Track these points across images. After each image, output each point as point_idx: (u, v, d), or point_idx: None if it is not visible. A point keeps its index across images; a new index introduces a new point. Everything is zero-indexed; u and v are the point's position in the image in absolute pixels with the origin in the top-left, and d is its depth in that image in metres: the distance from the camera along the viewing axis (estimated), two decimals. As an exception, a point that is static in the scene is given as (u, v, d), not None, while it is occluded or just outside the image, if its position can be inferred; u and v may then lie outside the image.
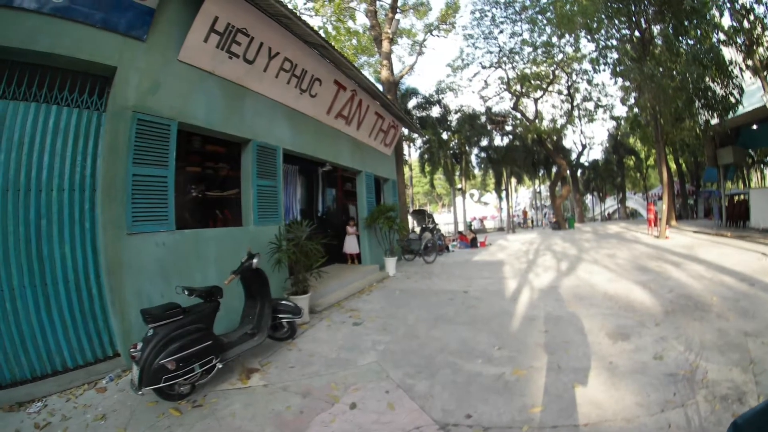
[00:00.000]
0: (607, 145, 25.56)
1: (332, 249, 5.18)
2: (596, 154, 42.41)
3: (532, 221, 28.45)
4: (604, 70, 17.72)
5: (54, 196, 3.22)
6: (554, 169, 22.40)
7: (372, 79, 7.70)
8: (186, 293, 2.99)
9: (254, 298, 3.64)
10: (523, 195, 41.61)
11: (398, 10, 13.54)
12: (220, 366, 3.00)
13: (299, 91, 5.58)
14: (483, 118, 21.20)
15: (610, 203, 34.18)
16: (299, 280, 4.59)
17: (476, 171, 23.82)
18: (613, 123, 23.13)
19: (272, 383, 3.00)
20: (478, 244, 13.21)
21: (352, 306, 5.25)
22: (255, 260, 3.48)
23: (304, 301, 4.49)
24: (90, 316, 3.36)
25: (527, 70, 19.66)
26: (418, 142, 20.36)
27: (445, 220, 23.20)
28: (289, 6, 4.99)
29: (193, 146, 4.99)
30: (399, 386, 2.78)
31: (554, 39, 16.83)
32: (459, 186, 22.48)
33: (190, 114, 4.02)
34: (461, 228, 20.60)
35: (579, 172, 25.94)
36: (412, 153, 23.19)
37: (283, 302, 3.82)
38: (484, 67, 20.31)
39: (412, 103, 18.23)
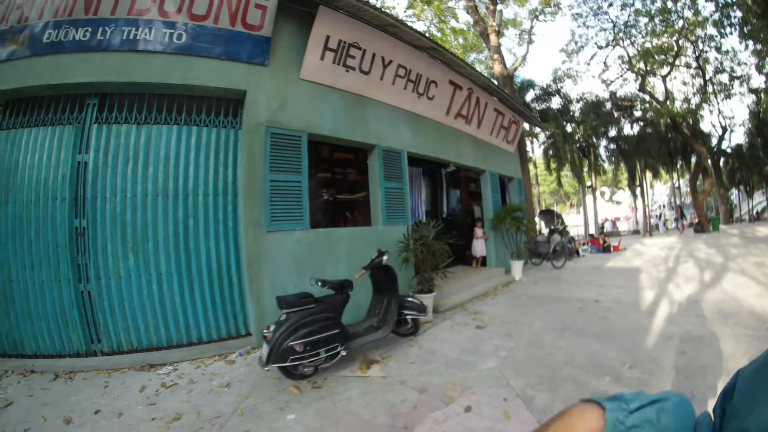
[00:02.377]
0: (750, 125, 20.08)
1: (457, 250, 5.29)
2: (738, 137, 33.83)
3: (669, 221, 23.89)
4: (731, 33, 14.24)
5: (200, 200, 4.00)
6: (693, 159, 19.14)
7: (485, 75, 7.60)
8: (319, 285, 3.35)
9: (381, 293, 3.85)
10: (660, 191, 35.30)
11: (498, 1, 13.00)
12: (344, 353, 3.26)
13: (416, 95, 5.78)
14: (608, 105, 18.78)
15: (759, 199, 26.58)
16: (425, 278, 4.74)
17: (606, 165, 21.15)
18: (753, 97, 18.13)
19: (391, 376, 3.14)
20: (611, 249, 11.75)
21: (475, 309, 5.15)
22: (385, 257, 3.70)
23: (429, 299, 4.61)
24: (228, 300, 4.06)
25: (648, 44, 17.12)
26: (541, 136, 19.05)
27: (574, 222, 21.07)
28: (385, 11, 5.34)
29: (323, 154, 5.60)
30: (518, 396, 2.70)
31: (669, 3, 14.12)
32: (588, 183, 20.25)
33: (317, 125, 4.54)
34: (592, 230, 18.46)
35: (722, 161, 21.08)
36: (536, 149, 21.78)
37: (409, 299, 3.96)
38: (600, 47, 18.39)
39: (529, 96, 17.24)
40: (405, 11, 14.52)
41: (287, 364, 2.95)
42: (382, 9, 4.58)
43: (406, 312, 3.87)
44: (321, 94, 4.61)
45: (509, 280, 7.21)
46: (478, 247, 7.60)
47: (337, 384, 3.03)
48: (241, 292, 4.07)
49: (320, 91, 4.62)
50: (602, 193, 31.22)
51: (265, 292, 3.89)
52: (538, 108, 17.11)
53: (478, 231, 7.59)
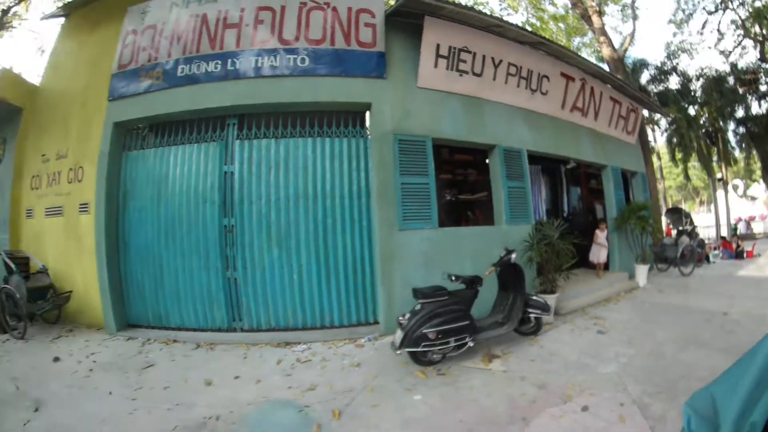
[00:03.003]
0: None
1: (578, 252, 5.13)
2: None
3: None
4: None
5: (337, 202, 4.55)
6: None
7: (593, 61, 7.09)
8: (452, 279, 3.64)
9: (507, 291, 4.02)
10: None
11: (593, -22, 11.90)
12: (471, 345, 3.50)
13: (530, 92, 5.74)
14: (731, 80, 15.94)
15: None
16: (548, 279, 4.74)
17: (737, 152, 18.01)
18: None
19: (511, 371, 3.31)
20: (744, 255, 10.12)
21: (597, 314, 5.04)
22: (513, 255, 3.88)
23: (551, 300, 4.59)
24: (361, 290, 4.60)
25: (758, 2, 14.19)
26: (663, 123, 17.06)
27: (703, 222, 18.17)
28: (486, 12, 5.36)
29: (444, 156, 5.89)
30: (634, 402, 2.72)
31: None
32: (719, 175, 17.51)
33: (439, 130, 4.87)
34: (724, 232, 15.88)
35: None
36: (658, 138, 19.49)
37: (534, 297, 4.08)
38: (709, 13, 16.03)
39: (644, 78, 15.63)
40: (500, 5, 14.08)
41: (419, 349, 3.26)
42: (480, 10, 4.63)
43: (530, 310, 3.98)
44: (439, 100, 4.92)
45: (632, 286, 6.71)
46: (599, 252, 6.86)
47: (461, 373, 3.27)
48: (372, 284, 4.59)
49: (438, 97, 4.92)
50: (735, 187, 26.70)
51: (395, 284, 4.36)
52: (655, 90, 15.40)
53: (600, 234, 6.82)
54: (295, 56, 4.66)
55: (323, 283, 4.54)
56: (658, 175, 19.10)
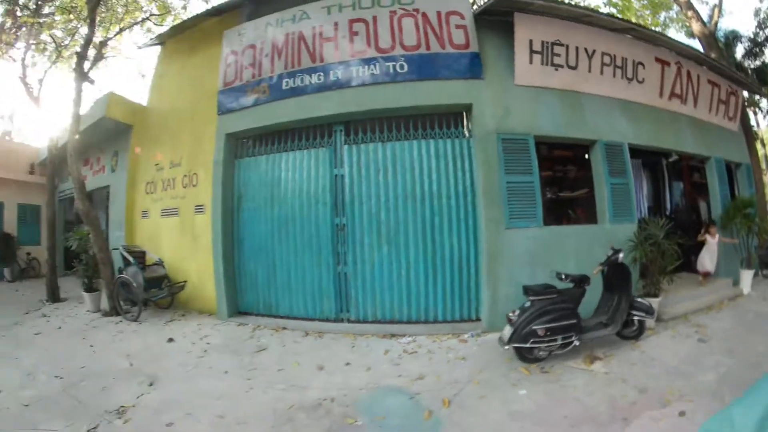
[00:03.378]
0: None
1: (682, 252, 4.87)
2: None
3: None
4: None
5: (444, 202, 4.79)
6: None
7: (683, 38, 6.55)
8: (562, 277, 3.71)
9: (612, 291, 4.00)
10: None
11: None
12: (577, 344, 3.56)
13: (626, 81, 5.61)
14: None
15: None
16: (652, 281, 4.59)
17: None
18: None
19: (613, 372, 3.36)
20: None
21: (698, 321, 4.84)
22: (621, 255, 3.88)
23: (655, 304, 4.47)
24: (465, 287, 4.81)
25: None
26: (764, 104, 15.21)
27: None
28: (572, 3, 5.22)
29: (542, 153, 5.81)
30: None
31: None
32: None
33: (539, 127, 4.93)
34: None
35: None
36: (761, 121, 17.39)
37: (639, 300, 4.01)
38: None
39: (738, 53, 13.98)
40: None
41: (527, 345, 3.40)
42: (568, 2, 4.55)
43: (634, 312, 3.93)
44: (537, 96, 4.98)
45: (736, 293, 6.26)
46: (707, 261, 6.04)
47: (563, 372, 3.38)
48: (477, 282, 4.79)
49: (536, 93, 4.98)
50: None
51: (500, 282, 4.53)
52: (751, 66, 13.74)
53: (711, 241, 6.01)
54: (394, 63, 4.92)
55: (429, 280, 4.83)
56: (764, 165, 17.02)
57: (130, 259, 5.91)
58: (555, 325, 3.45)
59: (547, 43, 4.91)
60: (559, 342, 3.48)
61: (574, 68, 5.13)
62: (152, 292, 5.82)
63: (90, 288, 6.64)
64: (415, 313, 4.84)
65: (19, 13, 8.44)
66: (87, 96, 6.70)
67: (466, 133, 4.93)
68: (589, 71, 5.24)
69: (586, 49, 5.16)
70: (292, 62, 5.34)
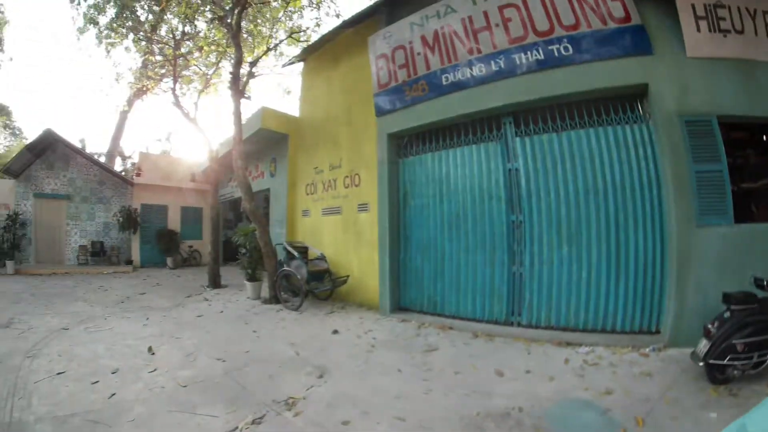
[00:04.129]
0: None
1: None
2: None
3: None
4: None
5: (627, 195, 4.48)
6: None
7: None
8: (765, 285, 3.26)
9: None
10: None
11: None
12: None
13: None
14: None
15: None
16: None
17: None
18: None
19: None
20: None
21: None
22: None
23: None
24: (649, 294, 4.38)
25: None
26: None
27: None
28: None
29: None
30: None
31: None
32: None
33: (719, 105, 4.33)
34: None
35: None
36: None
37: None
38: None
39: None
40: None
41: (724, 362, 3.05)
42: None
43: None
44: (712, 69, 4.41)
45: None
46: None
47: (751, 396, 2.96)
48: (661, 289, 4.34)
49: (710, 66, 4.41)
50: None
51: (689, 290, 4.06)
52: None
53: None
54: (557, 46, 4.72)
55: (611, 284, 4.53)
56: None
57: (295, 253, 6.70)
58: (754, 339, 3.08)
59: (709, 5, 4.37)
60: (755, 359, 3.10)
61: (741, 33, 4.45)
62: (315, 285, 6.48)
63: (252, 277, 7.61)
64: (592, 321, 4.57)
65: (158, 57, 10.10)
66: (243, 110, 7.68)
67: (644, 117, 4.57)
68: (756, 34, 4.52)
69: (747, 9, 4.47)
70: (448, 57, 5.47)
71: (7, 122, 26.16)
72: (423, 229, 5.90)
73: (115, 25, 9.18)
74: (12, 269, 10.72)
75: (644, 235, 4.43)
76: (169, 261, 13.61)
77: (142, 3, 9.57)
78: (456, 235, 5.51)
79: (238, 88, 7.52)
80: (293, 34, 8.97)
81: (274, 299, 6.78)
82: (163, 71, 10.37)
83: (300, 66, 9.12)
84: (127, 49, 10.01)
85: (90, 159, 13.93)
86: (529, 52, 4.86)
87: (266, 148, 9.66)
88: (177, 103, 9.56)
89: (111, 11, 9.01)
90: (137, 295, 8.05)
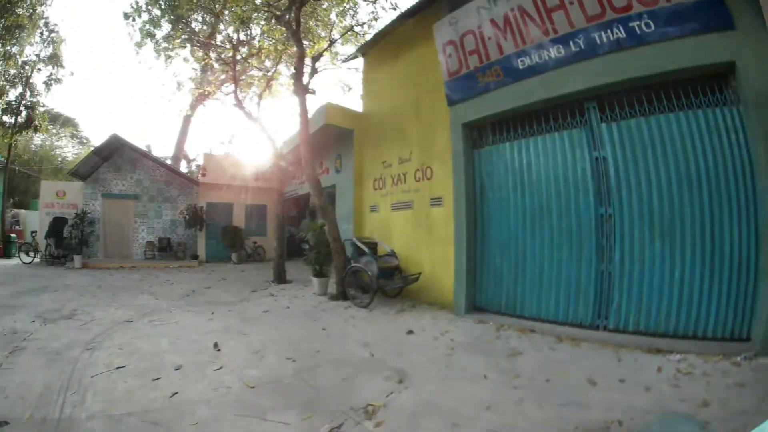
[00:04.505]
0: None
1: None
2: None
3: None
4: None
5: (722, 185, 4.16)
6: None
7: None
8: None
9: None
10: None
11: None
12: None
13: None
14: None
15: None
16: None
17: None
18: None
19: None
20: None
21: None
22: None
23: None
24: (741, 297, 4.05)
25: None
26: None
27: None
28: None
29: None
30: None
31: None
32: None
33: None
34: None
35: None
36: None
37: None
38: None
39: None
40: None
41: None
42: None
43: None
44: None
45: None
46: None
47: None
48: (754, 290, 4.00)
49: None
50: None
51: None
52: None
53: None
54: (637, 22, 4.45)
55: (705, 285, 4.22)
56: None
57: (365, 249, 6.78)
58: None
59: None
60: None
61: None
62: (385, 282, 6.55)
63: (319, 273, 7.79)
64: (683, 326, 4.30)
65: (217, 65, 10.62)
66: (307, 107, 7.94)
67: (733, 99, 4.20)
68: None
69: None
70: (522, 39, 5.32)
71: (75, 132, 29.22)
72: (502, 223, 5.80)
73: (171, 38, 9.83)
74: (79, 263, 11.96)
75: (738, 230, 4.12)
76: (233, 256, 14.49)
77: (196, 15, 10.25)
78: (539, 231, 5.35)
79: (302, 83, 7.79)
80: (353, 28, 9.04)
81: (342, 296, 6.90)
82: (223, 77, 10.97)
83: (358, 62, 9.40)
84: (185, 59, 10.81)
85: (155, 161, 15.33)
86: (608, 31, 4.64)
87: (330, 145, 9.99)
88: (239, 105, 10.09)
89: (166, 25, 9.66)
90: (202, 289, 8.43)
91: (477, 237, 6.06)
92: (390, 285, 6.55)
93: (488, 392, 3.20)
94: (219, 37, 10.61)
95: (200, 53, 10.67)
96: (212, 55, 10.57)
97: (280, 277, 9.26)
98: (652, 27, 4.42)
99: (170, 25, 9.60)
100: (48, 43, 15.38)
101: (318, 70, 8.62)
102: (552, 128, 5.32)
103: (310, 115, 9.13)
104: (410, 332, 4.89)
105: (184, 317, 5.78)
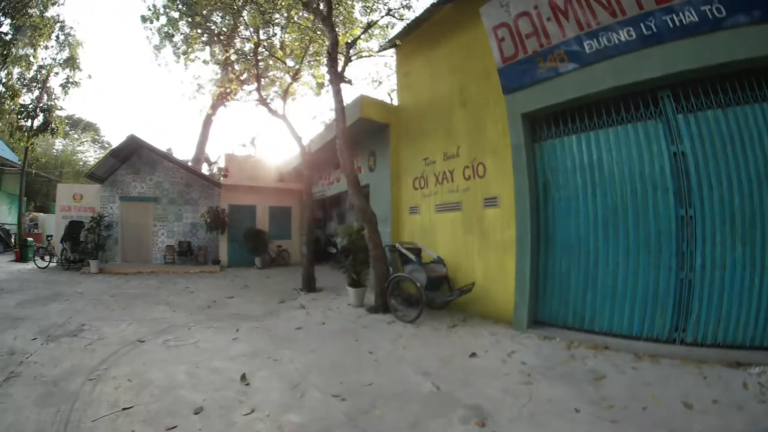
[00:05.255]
0: None
1: None
2: None
3: None
4: None
5: None
6: None
7: None
8: None
9: None
10: None
11: None
12: None
13: None
14: None
15: None
16: None
17: None
18: None
19: None
20: None
21: None
22: None
23: None
24: None
25: None
26: None
27: None
28: None
29: None
30: None
31: None
32: None
33: None
34: None
35: None
36: None
37: None
38: None
39: None
40: None
41: None
42: None
43: None
44: None
45: None
46: None
47: None
48: None
49: None
50: None
51: None
52: None
53: None
54: (709, 6, 4.23)
55: None
56: None
57: (411, 256, 6.60)
58: None
59: None
60: None
61: None
62: (435, 294, 6.28)
63: (356, 283, 7.52)
64: (759, 336, 4.18)
65: (237, 66, 10.61)
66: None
67: None
68: None
69: None
70: (586, 22, 5.10)
71: (96, 137, 30.39)
72: (570, 227, 5.59)
73: (189, 39, 10.04)
74: (96, 268, 12.16)
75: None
76: (257, 261, 14.57)
77: (215, 17, 10.47)
78: (613, 235, 5.15)
79: (337, 70, 7.67)
80: (390, 12, 8.72)
81: (382, 308, 6.69)
82: (245, 76, 11.10)
83: (388, 58, 9.15)
84: (204, 61, 11.08)
85: (175, 162, 15.66)
86: (681, 14, 4.41)
87: (363, 141, 9.88)
88: (262, 102, 10.17)
89: (185, 27, 9.94)
90: (225, 299, 8.21)
91: (540, 242, 5.84)
92: (440, 298, 6.36)
93: (587, 431, 2.96)
94: (240, 36, 10.78)
95: (220, 54, 10.86)
96: (233, 54, 10.73)
97: (310, 286, 9.09)
98: (723, 12, 4.19)
99: (188, 28, 9.86)
100: (64, 46, 16.01)
101: (352, 58, 8.32)
102: (624, 119, 5.12)
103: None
104: (473, 355, 4.55)
105: (205, 336, 5.45)
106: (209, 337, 5.38)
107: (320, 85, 11.03)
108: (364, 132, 9.37)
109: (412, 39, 8.42)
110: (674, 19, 4.50)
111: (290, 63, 10.82)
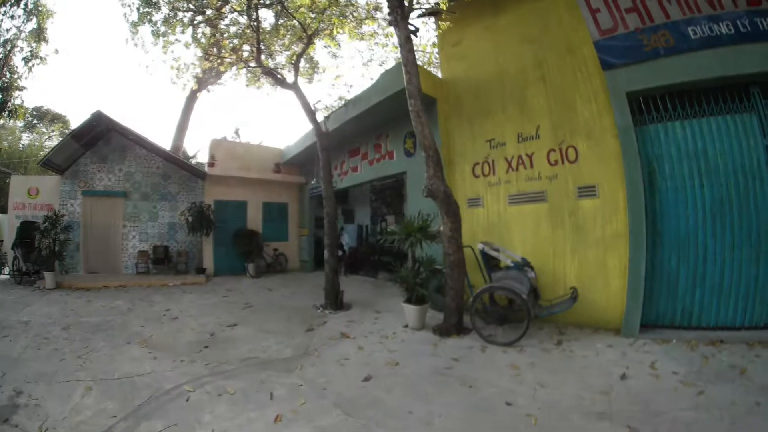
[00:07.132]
0: None
1: None
2: None
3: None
4: None
5: None
6: None
7: None
8: None
9: None
10: None
11: None
12: None
13: None
14: None
15: None
16: None
17: None
18: None
19: None
20: None
21: None
22: None
23: None
24: None
25: None
26: None
27: None
28: None
29: None
30: None
31: None
32: None
33: None
34: None
35: None
36: None
37: None
38: None
39: None
40: None
41: None
42: None
43: None
44: None
45: None
46: None
47: None
48: None
49: None
50: None
51: None
52: None
53: None
54: None
55: None
56: None
57: (507, 261, 6.50)
58: None
59: None
60: None
61: None
62: (538, 306, 6.11)
63: (419, 299, 6.81)
64: None
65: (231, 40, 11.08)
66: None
67: None
68: None
69: None
70: (688, 7, 5.69)
71: (65, 131, 29.21)
72: (680, 220, 6.16)
73: (170, 21, 10.03)
74: (52, 282, 11.22)
75: None
76: (249, 268, 14.12)
77: None
78: (720, 228, 5.86)
79: (405, 10, 6.74)
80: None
81: (455, 328, 6.18)
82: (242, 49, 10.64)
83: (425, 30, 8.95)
84: (186, 44, 10.77)
85: (151, 147, 14.74)
86: None
87: (397, 120, 9.82)
88: (267, 71, 9.94)
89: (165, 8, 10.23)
90: (225, 327, 6.93)
91: (647, 236, 6.13)
92: (546, 310, 6.07)
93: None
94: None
95: (208, 34, 10.68)
96: (223, 27, 10.72)
97: (337, 302, 8.36)
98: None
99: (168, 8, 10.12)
100: (32, 15, 14.85)
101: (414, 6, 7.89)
102: (722, 110, 5.88)
103: (375, 82, 9.28)
104: (624, 377, 4.33)
105: (219, 414, 3.76)
106: (228, 417, 3.73)
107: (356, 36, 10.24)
108: (398, 108, 8.56)
109: (464, 3, 8.13)
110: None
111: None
